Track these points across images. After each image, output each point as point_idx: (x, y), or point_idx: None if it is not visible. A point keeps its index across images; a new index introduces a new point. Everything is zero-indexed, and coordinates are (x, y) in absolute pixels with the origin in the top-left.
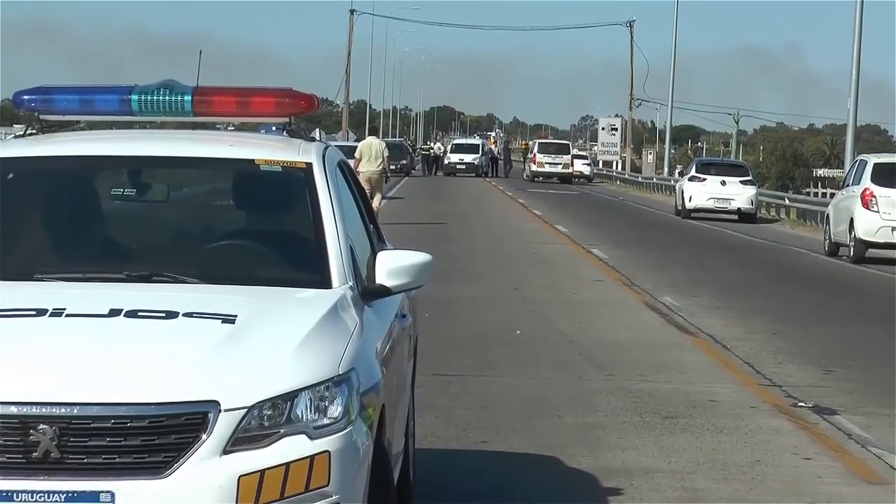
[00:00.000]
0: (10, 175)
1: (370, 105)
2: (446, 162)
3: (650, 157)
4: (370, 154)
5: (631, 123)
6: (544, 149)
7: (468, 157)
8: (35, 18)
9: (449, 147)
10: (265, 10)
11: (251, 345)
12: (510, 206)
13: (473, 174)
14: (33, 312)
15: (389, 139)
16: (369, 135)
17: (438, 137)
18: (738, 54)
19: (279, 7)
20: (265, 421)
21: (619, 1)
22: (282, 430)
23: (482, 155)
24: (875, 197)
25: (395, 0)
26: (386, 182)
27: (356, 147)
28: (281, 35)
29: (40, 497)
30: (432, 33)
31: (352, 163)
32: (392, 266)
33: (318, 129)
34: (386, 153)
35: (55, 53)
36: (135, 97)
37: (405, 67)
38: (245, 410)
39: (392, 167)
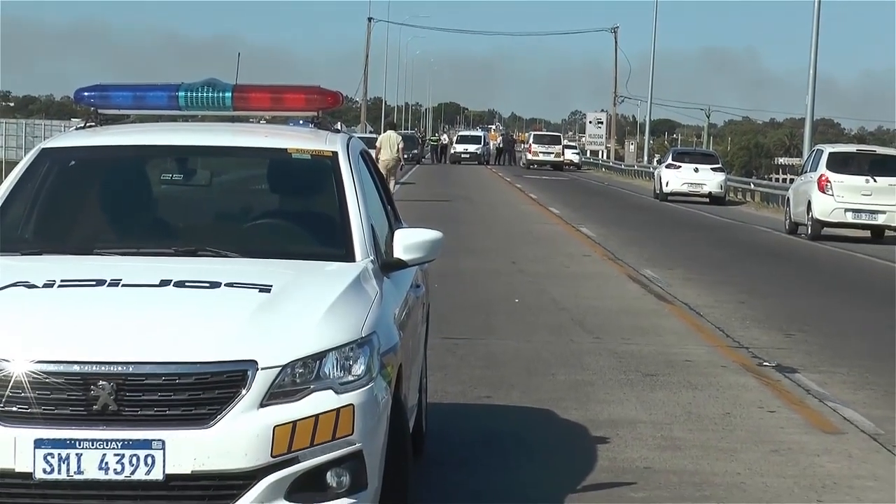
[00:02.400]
0: (72, 162)
1: (385, 101)
2: (452, 151)
3: (632, 147)
4: (389, 145)
5: (615, 118)
6: (539, 140)
7: (472, 147)
8: (74, 25)
9: (454, 138)
10: (288, 15)
11: (285, 311)
12: (508, 190)
13: (476, 162)
14: (93, 283)
15: (402, 131)
16: (388, 129)
17: (445, 130)
18: (706, 56)
19: (301, 13)
20: (297, 378)
21: (600, 5)
22: (311, 386)
23: (484, 145)
24: (830, 182)
25: (407, 5)
26: (401, 169)
27: (374, 138)
28: (302, 37)
29: (100, 445)
30: (440, 37)
31: (373, 152)
32: (408, 242)
33: (339, 123)
34: (401, 144)
35: (89, 56)
36: (181, 94)
37: (416, 68)
38: (279, 369)
39: (405, 156)
